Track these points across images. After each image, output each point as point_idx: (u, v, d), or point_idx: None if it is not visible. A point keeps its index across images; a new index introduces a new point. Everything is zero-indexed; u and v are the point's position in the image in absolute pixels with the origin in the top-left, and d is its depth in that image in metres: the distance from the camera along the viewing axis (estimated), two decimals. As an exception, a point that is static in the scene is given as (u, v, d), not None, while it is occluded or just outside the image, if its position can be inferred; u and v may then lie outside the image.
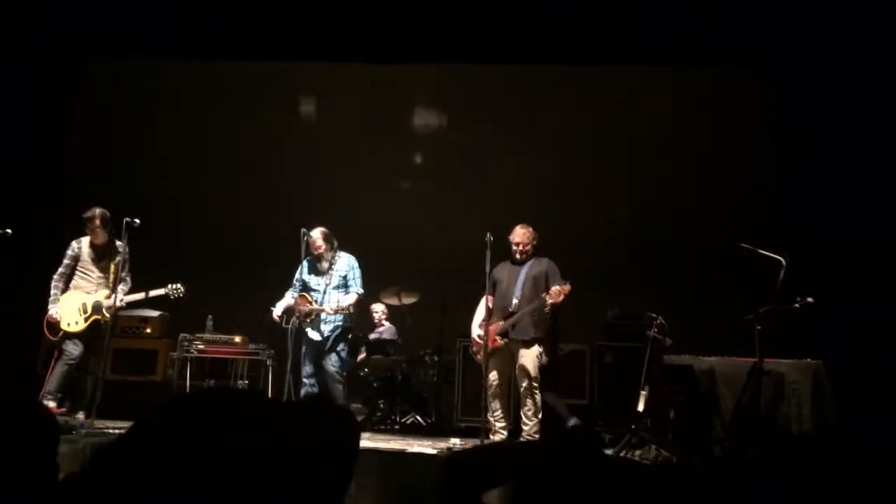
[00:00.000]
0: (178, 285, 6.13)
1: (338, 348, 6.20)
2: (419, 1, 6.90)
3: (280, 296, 6.33)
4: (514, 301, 5.77)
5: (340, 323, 6.21)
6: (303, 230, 6.10)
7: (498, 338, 5.74)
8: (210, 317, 7.15)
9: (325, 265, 6.23)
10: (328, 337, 6.16)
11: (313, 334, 6.18)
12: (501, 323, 5.76)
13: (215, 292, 7.22)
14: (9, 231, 5.90)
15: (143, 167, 8.20)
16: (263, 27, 7.20)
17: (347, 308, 6.14)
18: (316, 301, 6.20)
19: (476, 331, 5.87)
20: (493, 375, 5.73)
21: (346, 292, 6.24)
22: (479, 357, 5.82)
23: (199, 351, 6.99)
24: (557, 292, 5.49)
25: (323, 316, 6.14)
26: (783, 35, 6.67)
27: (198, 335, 7.03)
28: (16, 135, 7.28)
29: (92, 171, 8.02)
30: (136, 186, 7.74)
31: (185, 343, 6.97)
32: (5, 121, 7.17)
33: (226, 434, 0.83)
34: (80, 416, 5.86)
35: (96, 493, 0.82)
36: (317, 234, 6.21)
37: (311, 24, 7.12)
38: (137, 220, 5.83)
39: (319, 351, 6.16)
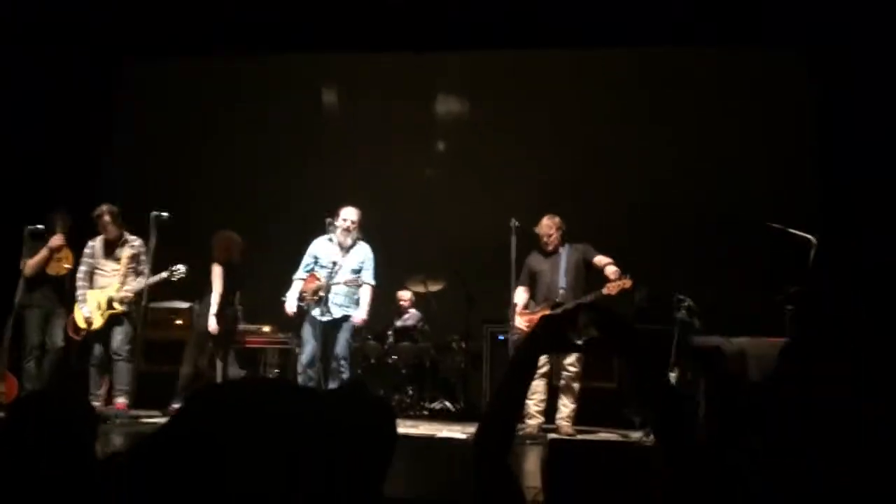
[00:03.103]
0: (180, 266, 6.13)
1: (346, 337, 6.00)
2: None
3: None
4: (561, 291, 5.75)
5: (350, 310, 6.04)
6: (327, 220, 6.11)
7: None
8: (239, 307, 7.20)
9: (349, 241, 6.07)
10: (336, 320, 5.95)
11: (318, 314, 5.95)
12: (548, 313, 5.69)
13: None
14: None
15: (170, 161, 8.28)
16: (289, 20, 7.19)
17: (355, 280, 5.96)
18: (324, 279, 6.00)
19: (519, 320, 5.84)
20: (542, 360, 5.73)
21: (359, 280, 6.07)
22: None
23: (230, 341, 7.03)
24: (616, 286, 5.46)
25: (332, 297, 5.94)
26: (822, 11, 6.51)
27: (227, 325, 7.07)
28: (51, 137, 7.36)
29: (126, 169, 8.12)
30: (163, 180, 7.82)
31: (215, 333, 7.02)
32: (40, 123, 7.25)
33: (264, 424, 0.83)
34: (119, 402, 5.99)
35: (136, 479, 0.83)
36: (354, 211, 6.14)
37: (338, 16, 7.10)
38: (165, 213, 5.90)
39: (325, 335, 5.92)
